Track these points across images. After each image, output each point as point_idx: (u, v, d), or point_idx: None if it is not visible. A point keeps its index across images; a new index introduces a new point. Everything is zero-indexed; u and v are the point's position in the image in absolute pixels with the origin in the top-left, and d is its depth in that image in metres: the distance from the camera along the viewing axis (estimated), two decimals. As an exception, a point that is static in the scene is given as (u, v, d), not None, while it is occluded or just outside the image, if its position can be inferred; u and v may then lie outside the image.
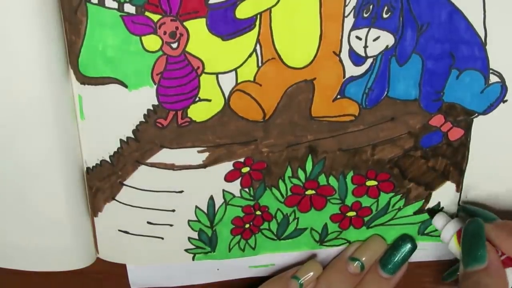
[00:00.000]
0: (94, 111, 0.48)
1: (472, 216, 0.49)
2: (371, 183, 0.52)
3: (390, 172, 0.52)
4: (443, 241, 0.51)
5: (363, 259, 0.53)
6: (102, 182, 0.51)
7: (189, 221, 0.53)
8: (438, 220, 0.52)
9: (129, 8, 0.44)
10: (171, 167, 0.50)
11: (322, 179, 0.51)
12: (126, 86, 0.47)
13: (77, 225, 0.52)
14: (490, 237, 0.48)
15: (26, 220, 0.51)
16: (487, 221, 0.49)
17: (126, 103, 0.47)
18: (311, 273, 0.53)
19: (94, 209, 0.52)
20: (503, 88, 0.48)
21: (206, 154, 0.49)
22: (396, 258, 0.53)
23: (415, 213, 0.54)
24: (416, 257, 0.55)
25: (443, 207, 0.53)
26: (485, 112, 0.49)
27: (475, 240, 0.48)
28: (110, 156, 0.50)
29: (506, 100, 0.49)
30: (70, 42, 0.46)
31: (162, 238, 0.53)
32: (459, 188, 0.53)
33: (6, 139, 0.48)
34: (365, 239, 0.54)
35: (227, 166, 0.50)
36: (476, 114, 0.49)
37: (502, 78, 0.48)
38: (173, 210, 0.52)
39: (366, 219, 0.54)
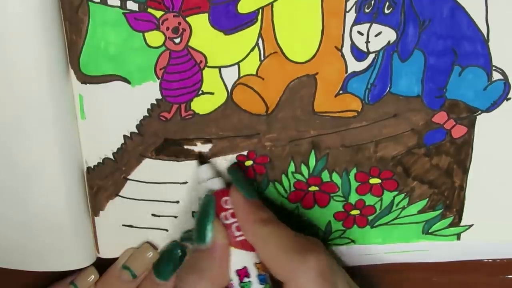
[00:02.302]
0: (96, 110, 0.48)
1: (236, 182, 0.48)
2: (374, 181, 0.52)
3: (393, 170, 0.51)
4: (197, 194, 0.50)
5: (134, 268, 0.53)
6: (104, 180, 0.51)
7: (193, 212, 0.53)
8: (205, 171, 0.49)
9: (132, 5, 0.45)
10: (175, 158, 0.50)
11: (325, 176, 0.51)
12: (129, 83, 0.47)
13: (77, 225, 0.52)
14: (239, 214, 0.47)
15: (26, 220, 0.51)
16: (246, 195, 0.47)
17: (129, 99, 0.48)
18: (90, 278, 0.54)
19: (95, 208, 0.52)
20: (506, 85, 0.48)
21: (210, 146, 0.50)
22: (168, 265, 0.53)
23: (419, 212, 0.53)
24: (416, 259, 0.55)
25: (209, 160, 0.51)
26: (488, 110, 0.49)
27: (202, 217, 0.47)
28: (113, 153, 0.50)
29: (509, 98, 0.49)
30: (71, 41, 0.46)
31: (167, 230, 0.53)
32: (463, 186, 0.52)
33: (6, 139, 0.48)
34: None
35: (230, 159, 0.50)
36: (480, 112, 0.49)
37: (505, 75, 0.48)
38: (178, 202, 0.52)
39: (370, 218, 0.54)
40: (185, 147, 0.50)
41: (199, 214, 0.47)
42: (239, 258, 0.47)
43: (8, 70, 0.45)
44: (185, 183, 0.51)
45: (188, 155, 0.50)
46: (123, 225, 0.53)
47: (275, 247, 0.45)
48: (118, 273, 0.53)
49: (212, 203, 0.47)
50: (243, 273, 0.46)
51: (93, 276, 0.54)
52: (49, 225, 0.51)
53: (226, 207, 0.48)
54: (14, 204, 0.51)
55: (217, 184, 0.49)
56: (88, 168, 0.51)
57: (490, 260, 0.55)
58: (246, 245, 0.47)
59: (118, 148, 0.50)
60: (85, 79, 0.47)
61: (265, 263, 0.46)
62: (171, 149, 0.50)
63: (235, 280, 0.46)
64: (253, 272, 0.46)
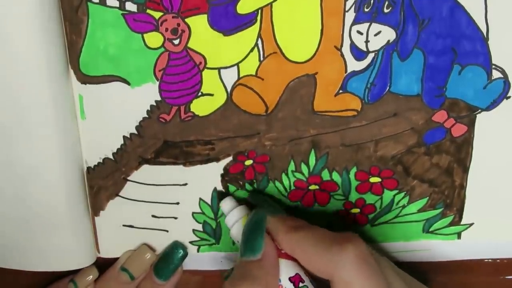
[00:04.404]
0: (96, 110, 0.49)
1: (260, 205, 0.50)
2: (374, 179, 0.52)
3: (393, 169, 0.51)
4: (227, 225, 0.51)
5: (132, 269, 0.54)
6: (105, 180, 0.51)
7: (193, 213, 0.53)
8: (226, 204, 0.51)
9: (131, 6, 0.45)
10: (175, 161, 0.50)
11: (325, 174, 0.51)
12: (128, 84, 0.47)
13: (77, 225, 0.52)
14: (271, 230, 0.48)
15: (26, 220, 0.51)
16: (272, 214, 0.49)
17: (129, 100, 0.48)
18: (89, 277, 0.54)
19: (96, 208, 0.52)
20: (506, 84, 0.48)
21: (209, 147, 0.50)
22: (168, 265, 0.54)
23: (419, 211, 0.54)
24: (419, 258, 0.55)
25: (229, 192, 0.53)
26: (488, 108, 0.49)
27: (254, 231, 0.47)
28: (113, 153, 0.50)
29: (509, 97, 0.49)
30: (71, 42, 0.46)
31: (167, 231, 0.54)
32: (463, 185, 0.52)
33: (6, 139, 0.48)
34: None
35: (230, 158, 0.51)
36: (479, 110, 0.49)
37: (505, 74, 0.48)
38: (178, 203, 0.52)
39: (370, 216, 0.54)
40: (185, 149, 0.50)
41: (249, 228, 0.48)
42: (290, 267, 0.47)
43: (9, 70, 0.45)
44: (185, 184, 0.51)
45: (188, 158, 0.50)
46: (124, 225, 0.53)
47: (313, 246, 0.45)
48: (116, 275, 0.54)
49: (264, 218, 0.48)
50: (297, 279, 0.46)
51: (92, 275, 0.54)
52: (50, 224, 0.51)
53: None
54: (14, 204, 0.51)
55: (242, 211, 0.50)
56: (88, 168, 0.51)
57: (490, 260, 0.55)
58: (285, 256, 0.47)
59: (117, 149, 0.50)
60: (85, 79, 0.47)
61: (307, 267, 0.46)
62: (171, 151, 0.50)
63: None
64: (306, 278, 0.47)
